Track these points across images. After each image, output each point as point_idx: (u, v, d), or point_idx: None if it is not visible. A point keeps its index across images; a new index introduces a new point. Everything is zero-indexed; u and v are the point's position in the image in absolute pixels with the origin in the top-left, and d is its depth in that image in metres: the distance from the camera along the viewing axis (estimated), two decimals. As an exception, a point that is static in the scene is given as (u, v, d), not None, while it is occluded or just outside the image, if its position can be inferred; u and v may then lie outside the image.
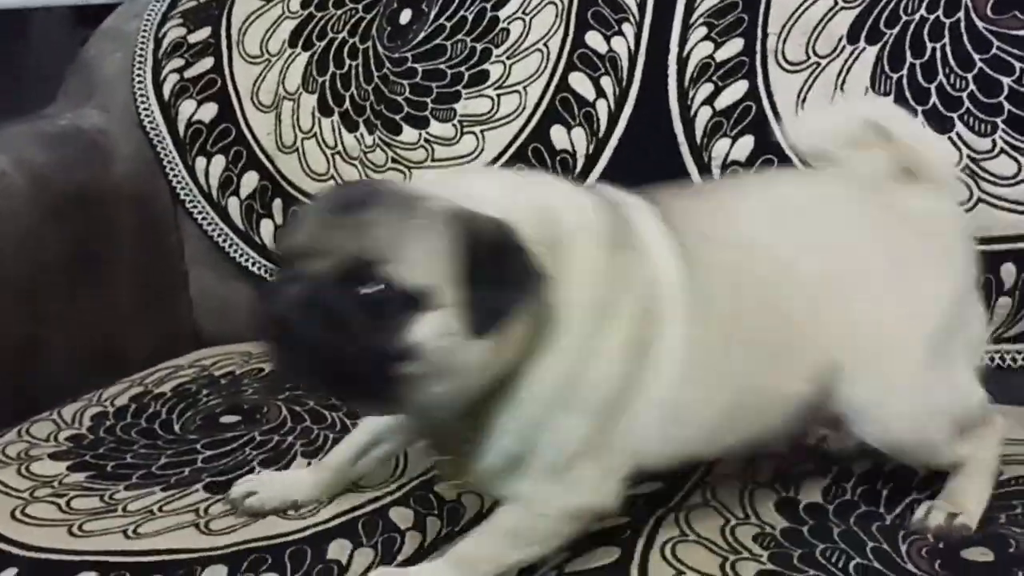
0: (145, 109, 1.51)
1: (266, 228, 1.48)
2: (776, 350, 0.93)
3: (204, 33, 1.53)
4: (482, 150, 1.39)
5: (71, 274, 1.37)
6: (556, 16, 1.40)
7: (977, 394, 1.00)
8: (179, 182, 1.50)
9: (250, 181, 1.48)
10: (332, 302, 0.75)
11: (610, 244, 0.86)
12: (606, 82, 1.36)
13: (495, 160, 1.39)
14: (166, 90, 1.51)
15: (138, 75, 1.52)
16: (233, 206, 1.49)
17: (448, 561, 0.88)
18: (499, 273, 0.76)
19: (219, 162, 1.49)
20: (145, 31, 1.54)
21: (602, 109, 1.35)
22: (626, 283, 0.86)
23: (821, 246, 0.95)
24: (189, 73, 1.51)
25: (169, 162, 1.50)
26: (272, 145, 1.48)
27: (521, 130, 1.38)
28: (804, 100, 1.26)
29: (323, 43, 1.50)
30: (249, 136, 1.49)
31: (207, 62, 1.51)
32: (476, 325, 0.76)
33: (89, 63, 1.57)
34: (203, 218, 1.50)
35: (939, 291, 0.97)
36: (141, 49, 1.53)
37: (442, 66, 1.44)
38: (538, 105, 1.38)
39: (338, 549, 0.95)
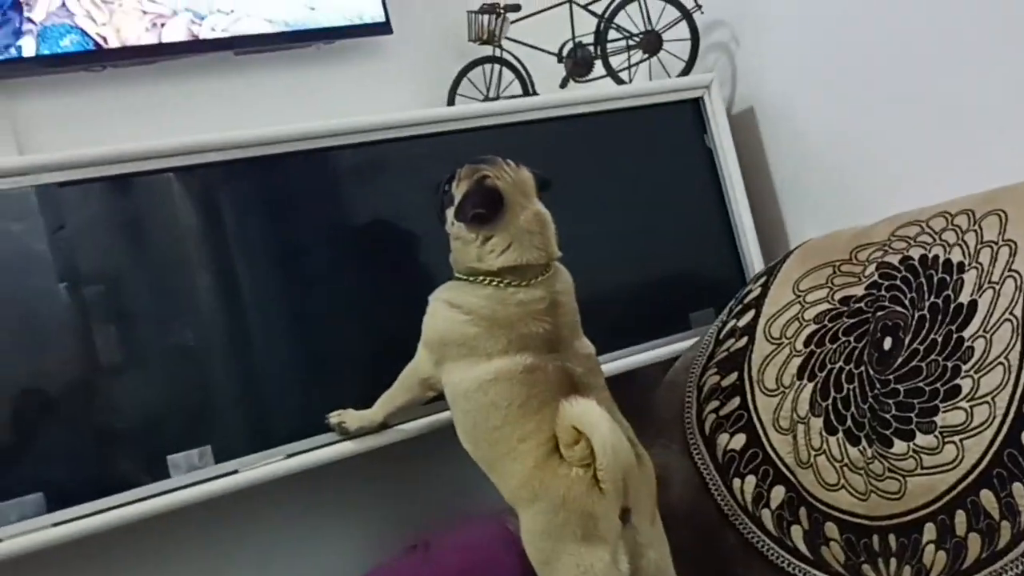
0: (692, 442, 1.95)
1: (796, 533, 1.78)
2: None
3: (732, 378, 1.95)
4: (962, 458, 1.56)
5: None
6: (1012, 331, 1.56)
7: None
8: (721, 499, 1.88)
9: (778, 494, 1.80)
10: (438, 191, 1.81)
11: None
12: (1068, 387, 1.47)
13: (975, 466, 1.55)
14: (707, 426, 1.94)
15: (687, 417, 1.99)
16: (766, 516, 1.81)
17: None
18: (472, 203, 1.70)
19: (751, 481, 1.84)
20: (691, 382, 2.02)
21: (1067, 412, 1.46)
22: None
23: None
24: (723, 411, 1.93)
25: (713, 483, 1.90)
26: (793, 462, 1.80)
27: (995, 437, 1.53)
28: None
29: (823, 373, 1.82)
30: (774, 456, 1.83)
31: (735, 401, 1.91)
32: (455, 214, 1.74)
33: (655, 407, 2.08)
34: (743, 528, 1.85)
35: None
36: (688, 396, 2.00)
37: (921, 384, 1.66)
38: (1007, 413, 1.53)
39: None
